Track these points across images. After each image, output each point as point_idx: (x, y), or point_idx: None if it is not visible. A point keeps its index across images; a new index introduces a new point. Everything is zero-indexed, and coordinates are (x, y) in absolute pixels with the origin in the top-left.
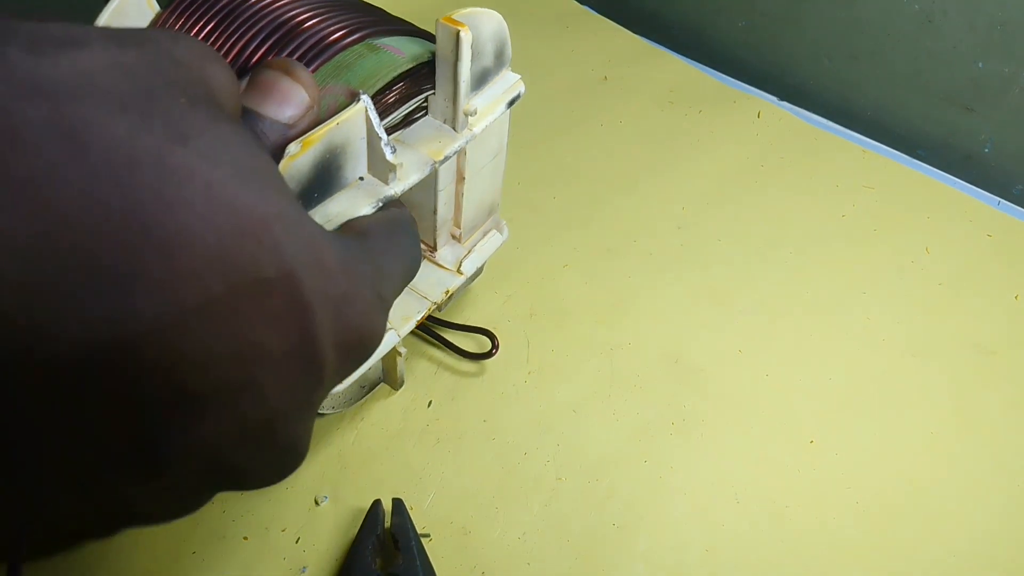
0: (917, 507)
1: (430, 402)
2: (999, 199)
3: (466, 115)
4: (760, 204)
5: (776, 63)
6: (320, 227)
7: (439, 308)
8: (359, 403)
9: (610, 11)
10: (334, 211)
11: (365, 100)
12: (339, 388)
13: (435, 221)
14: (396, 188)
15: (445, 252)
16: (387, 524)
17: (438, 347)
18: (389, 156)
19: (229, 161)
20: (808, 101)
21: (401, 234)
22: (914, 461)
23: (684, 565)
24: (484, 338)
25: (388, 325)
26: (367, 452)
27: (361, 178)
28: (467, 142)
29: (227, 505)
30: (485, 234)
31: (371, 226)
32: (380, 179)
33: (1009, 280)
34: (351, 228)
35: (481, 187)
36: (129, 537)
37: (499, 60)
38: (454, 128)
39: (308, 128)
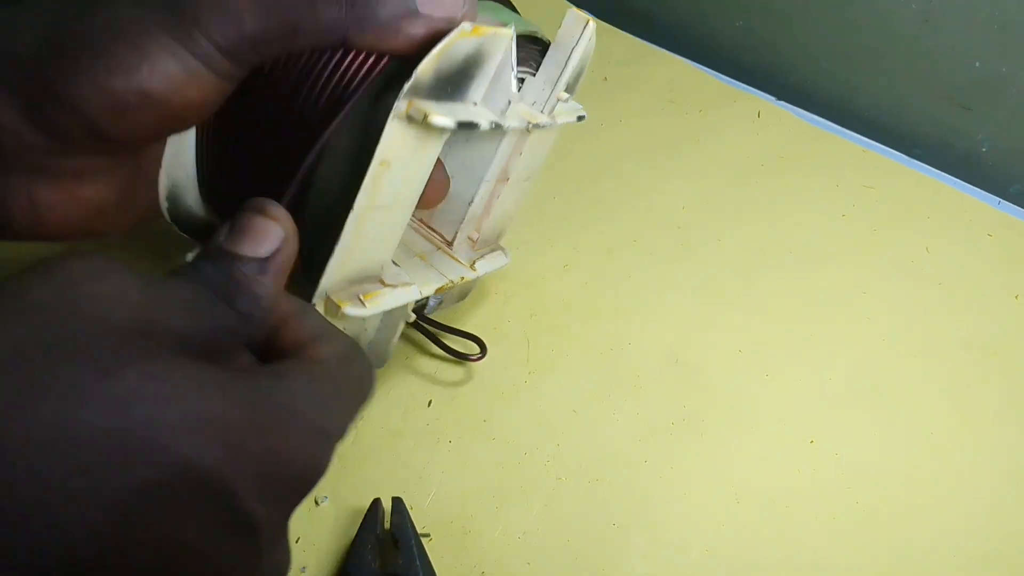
0: (917, 507)
1: (430, 401)
2: (999, 199)
3: (558, 101)
4: (760, 204)
5: (775, 63)
6: (224, 379)
7: (440, 303)
8: None
9: (609, 14)
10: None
11: (513, 30)
12: (356, 312)
13: (465, 213)
14: (506, 121)
15: (461, 248)
16: (387, 524)
17: (428, 352)
18: (513, 87)
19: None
20: (807, 101)
21: (353, 363)
22: (914, 461)
23: (684, 565)
24: (473, 343)
25: (409, 280)
26: (367, 451)
27: (475, 103)
28: (549, 126)
29: None
30: (493, 251)
31: (328, 359)
32: (493, 109)
33: (1009, 279)
34: (305, 357)
35: (513, 198)
36: None
37: (581, 75)
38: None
39: (288, 259)
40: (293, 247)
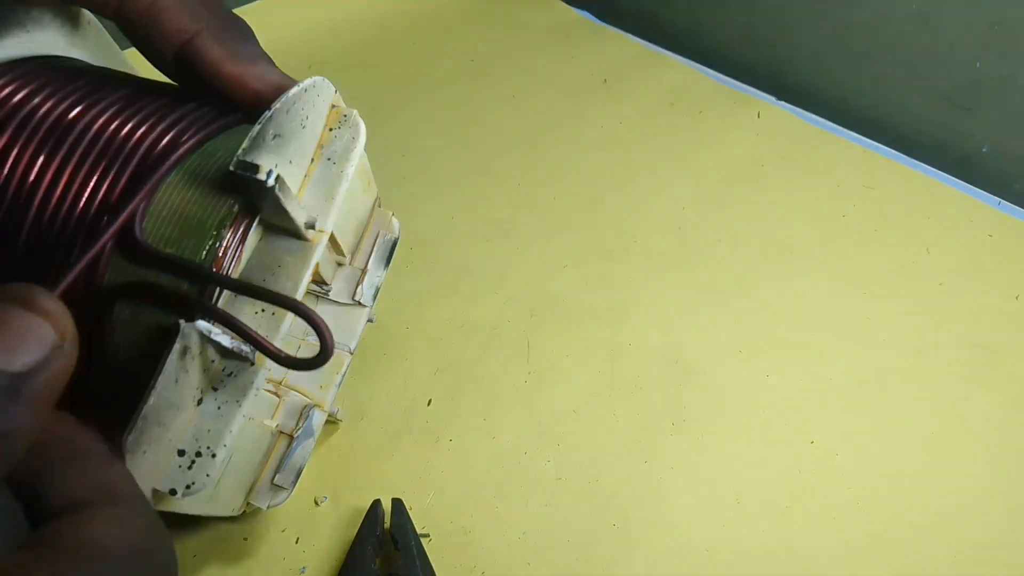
0: (918, 507)
1: (430, 401)
2: (999, 199)
3: (309, 227)
4: (760, 204)
5: (775, 63)
6: None
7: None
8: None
9: (609, 17)
10: None
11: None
12: (280, 500)
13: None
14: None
15: (338, 285)
16: (387, 524)
17: (428, 350)
18: (250, 355)
19: None
20: (807, 101)
21: (143, 554)
22: (915, 461)
23: (684, 566)
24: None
25: (311, 401)
26: (367, 452)
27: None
28: (323, 248)
29: None
30: (373, 245)
31: (99, 542)
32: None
33: (1010, 280)
34: (63, 538)
35: (352, 209)
36: None
37: (318, 114)
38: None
39: (58, 376)
40: (69, 358)
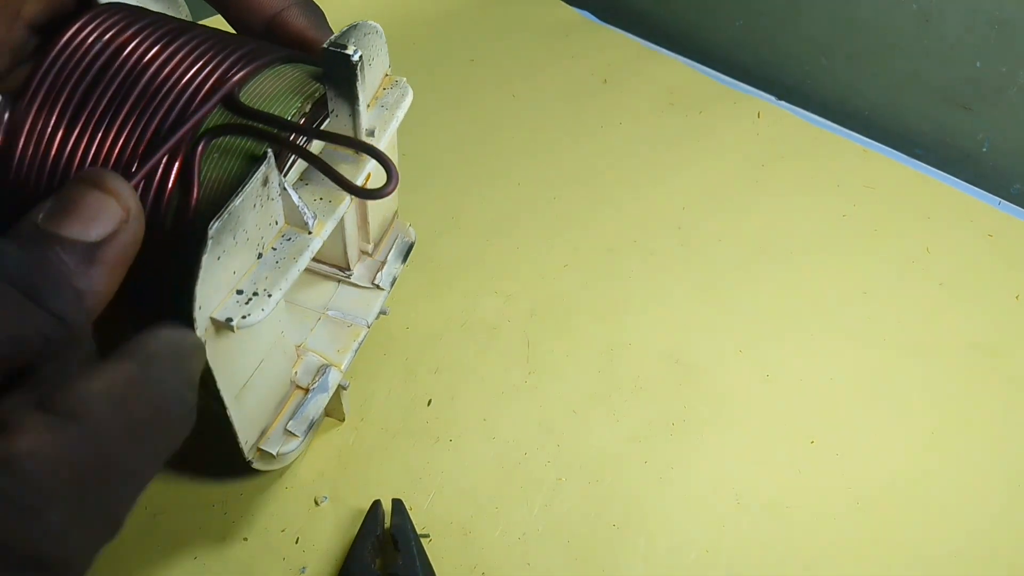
0: (917, 507)
1: (430, 401)
2: (999, 199)
3: (369, 134)
4: (760, 204)
5: (775, 63)
6: None
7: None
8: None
9: (609, 17)
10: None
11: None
12: (291, 448)
13: (344, 241)
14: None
15: (360, 270)
16: (387, 524)
17: (428, 350)
18: (310, 223)
19: None
20: (808, 101)
21: (142, 388)
22: (914, 461)
23: (684, 565)
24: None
25: (326, 361)
26: (367, 452)
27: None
28: (372, 165)
29: (228, 507)
30: (393, 242)
31: (82, 401)
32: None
33: (1009, 280)
34: (51, 410)
35: (379, 203)
36: (130, 544)
37: (380, 66)
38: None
39: (127, 247)
40: (136, 232)
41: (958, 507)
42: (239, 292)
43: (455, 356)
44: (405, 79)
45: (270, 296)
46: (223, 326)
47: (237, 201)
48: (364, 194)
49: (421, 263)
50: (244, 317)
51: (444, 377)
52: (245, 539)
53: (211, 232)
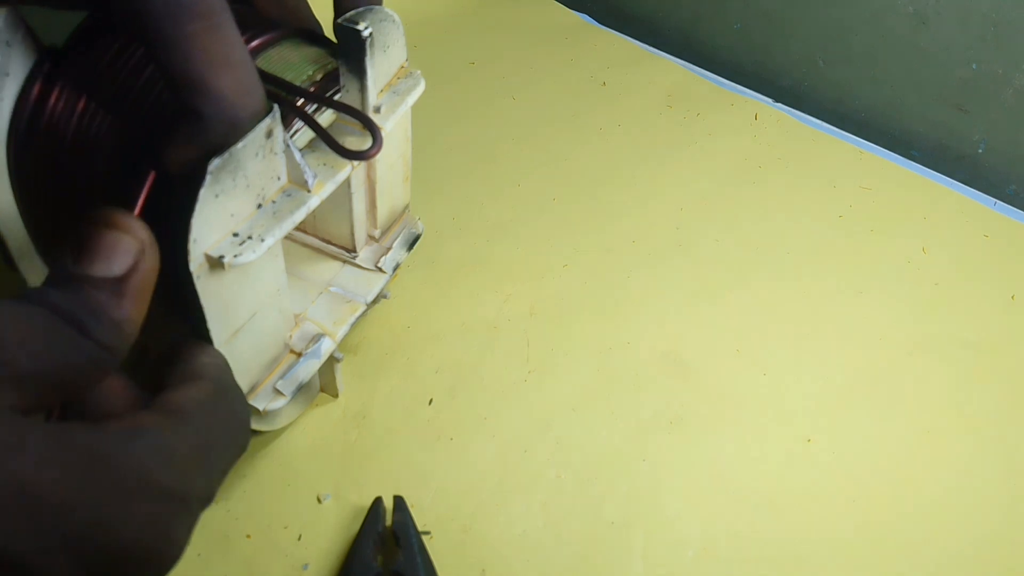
0: (914, 506)
1: (431, 400)
2: (995, 200)
3: (376, 111)
4: (758, 205)
5: (772, 65)
6: (49, 435)
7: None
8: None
9: (608, 19)
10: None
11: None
12: (278, 406)
13: (352, 223)
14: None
15: (365, 253)
16: (388, 521)
17: (428, 350)
18: (310, 181)
19: None
20: (804, 103)
21: (221, 411)
22: (911, 460)
23: (682, 563)
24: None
25: (322, 330)
26: (368, 450)
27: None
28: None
29: (230, 504)
30: (401, 232)
31: (185, 404)
32: (299, 185)
33: (1005, 280)
34: (162, 408)
35: (393, 183)
36: None
37: (396, 55)
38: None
39: (148, 274)
40: (153, 259)
41: (955, 505)
42: (235, 235)
43: (456, 355)
44: (420, 72)
45: (263, 241)
46: (216, 263)
47: (239, 145)
48: (347, 154)
49: (422, 263)
50: (236, 256)
51: (445, 376)
52: (248, 536)
53: (211, 168)
